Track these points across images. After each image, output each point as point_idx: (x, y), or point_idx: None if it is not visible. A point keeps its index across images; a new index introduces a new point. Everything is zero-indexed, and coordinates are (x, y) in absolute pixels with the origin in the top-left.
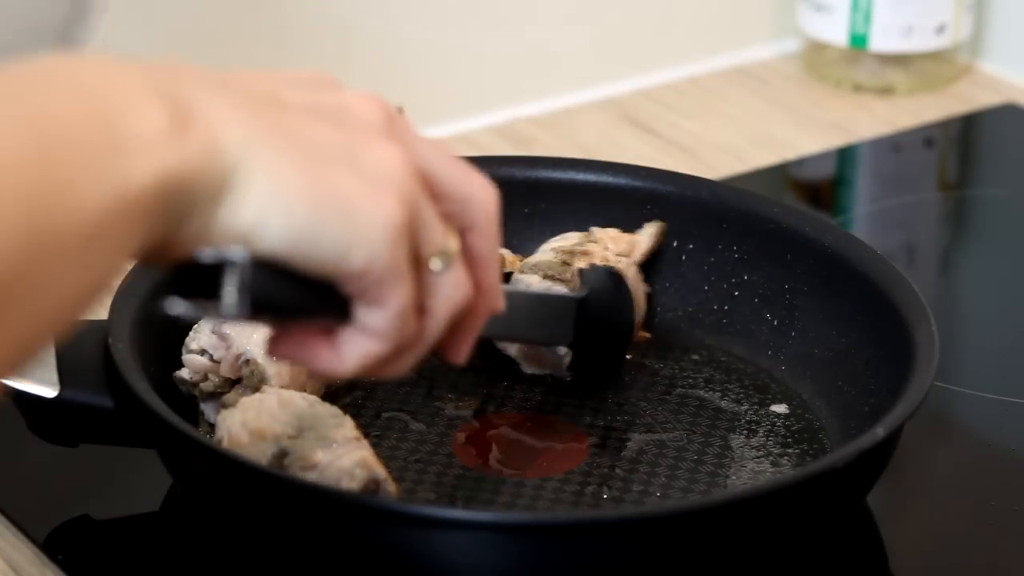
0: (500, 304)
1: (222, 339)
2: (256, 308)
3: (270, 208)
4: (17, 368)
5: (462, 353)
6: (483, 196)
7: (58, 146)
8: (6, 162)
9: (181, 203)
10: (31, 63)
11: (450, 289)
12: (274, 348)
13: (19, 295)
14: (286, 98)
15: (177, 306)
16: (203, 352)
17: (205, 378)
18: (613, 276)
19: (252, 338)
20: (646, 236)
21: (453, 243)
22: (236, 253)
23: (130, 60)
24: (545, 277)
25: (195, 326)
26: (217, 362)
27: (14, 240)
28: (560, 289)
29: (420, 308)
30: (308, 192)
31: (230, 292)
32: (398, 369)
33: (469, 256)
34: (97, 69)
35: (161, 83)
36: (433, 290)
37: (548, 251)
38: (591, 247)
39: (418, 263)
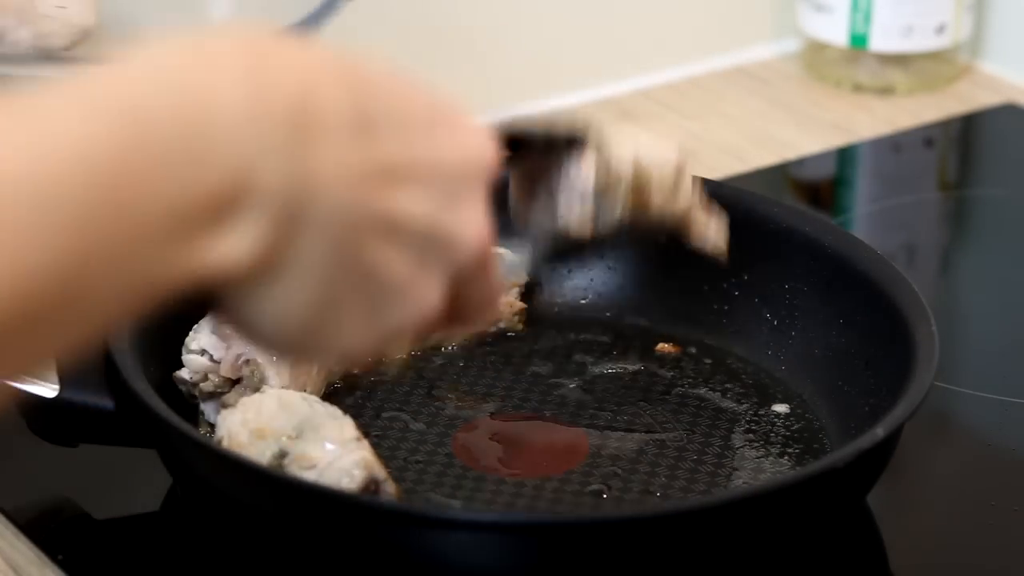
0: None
1: (222, 339)
2: None
3: (270, 319)
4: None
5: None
6: (489, 315)
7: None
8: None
9: (214, 286)
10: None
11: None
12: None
13: (82, 295)
14: (411, 207)
15: None
16: (203, 352)
17: (205, 378)
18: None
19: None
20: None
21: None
22: None
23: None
24: None
25: (195, 326)
26: (217, 362)
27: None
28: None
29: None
30: (310, 324)
31: None
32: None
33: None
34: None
35: (292, 174)
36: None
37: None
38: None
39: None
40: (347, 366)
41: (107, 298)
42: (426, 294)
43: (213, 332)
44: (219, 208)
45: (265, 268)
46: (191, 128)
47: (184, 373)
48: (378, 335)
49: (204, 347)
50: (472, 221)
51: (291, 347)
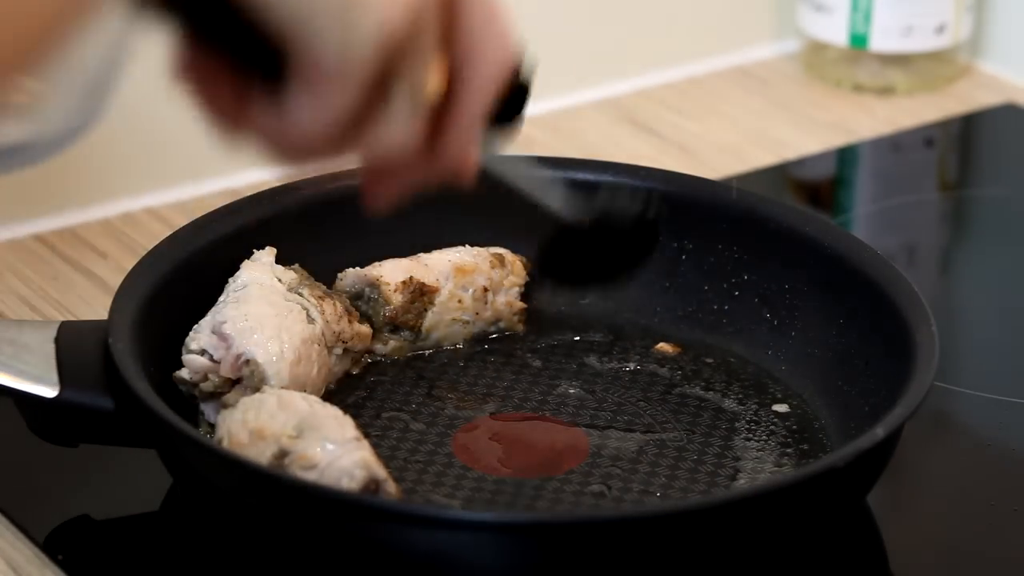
0: (467, 177)
1: (222, 339)
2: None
3: None
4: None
5: (379, 202)
6: (497, 58)
7: None
8: None
9: None
10: None
11: (395, 129)
12: (177, 61)
13: None
14: None
15: None
16: (203, 352)
17: (205, 378)
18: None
19: (253, 338)
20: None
21: (433, 84)
22: None
23: None
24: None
25: (195, 326)
26: (217, 362)
27: None
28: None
29: (355, 121)
30: None
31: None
32: (285, 159)
33: (447, 110)
34: None
35: None
36: (377, 118)
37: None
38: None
39: (382, 85)
40: (383, 48)
41: None
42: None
43: (213, 332)
44: None
45: None
46: None
47: (184, 373)
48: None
49: (204, 347)
50: None
51: (317, 6)
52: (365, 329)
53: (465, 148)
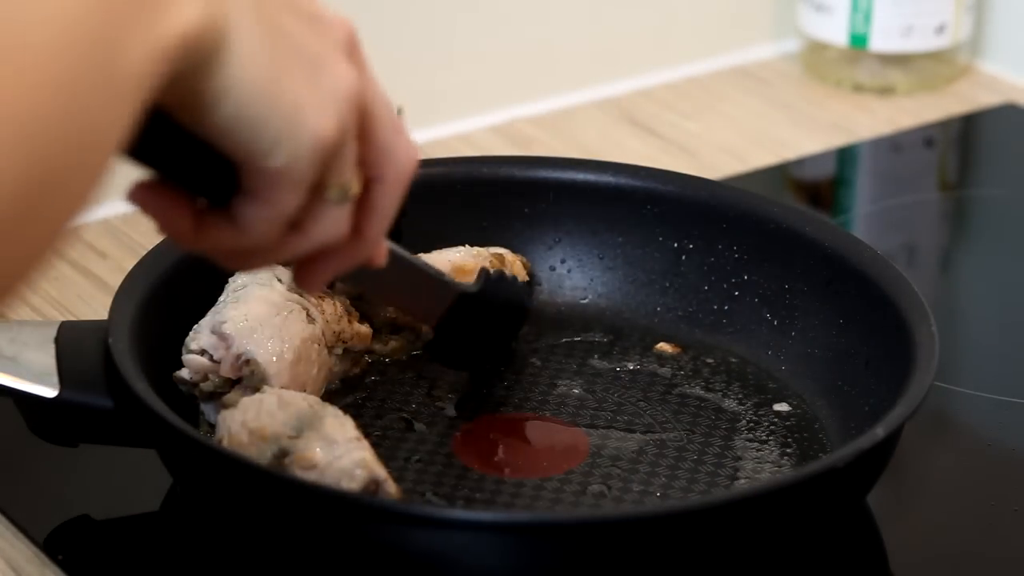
0: (380, 259)
1: (222, 339)
2: (141, 155)
3: (236, 85)
4: (41, 265)
5: (313, 284)
6: (404, 154)
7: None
8: (73, 14)
9: (183, 63)
10: None
11: (330, 223)
12: (137, 193)
13: (71, 162)
14: None
15: None
16: (203, 352)
17: (205, 378)
18: (515, 288)
19: (253, 338)
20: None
21: (355, 185)
22: None
23: None
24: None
25: (195, 326)
26: (217, 362)
27: (68, 106)
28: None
29: (295, 224)
30: (272, 82)
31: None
32: (244, 266)
33: (365, 204)
34: None
35: None
36: (315, 215)
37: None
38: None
39: (317, 187)
40: (316, 158)
41: (109, 105)
42: (340, 62)
43: (213, 332)
44: None
45: (214, 32)
46: None
47: (184, 373)
48: (327, 103)
49: (204, 347)
50: (328, 11)
51: (257, 117)
52: (365, 329)
53: (381, 235)
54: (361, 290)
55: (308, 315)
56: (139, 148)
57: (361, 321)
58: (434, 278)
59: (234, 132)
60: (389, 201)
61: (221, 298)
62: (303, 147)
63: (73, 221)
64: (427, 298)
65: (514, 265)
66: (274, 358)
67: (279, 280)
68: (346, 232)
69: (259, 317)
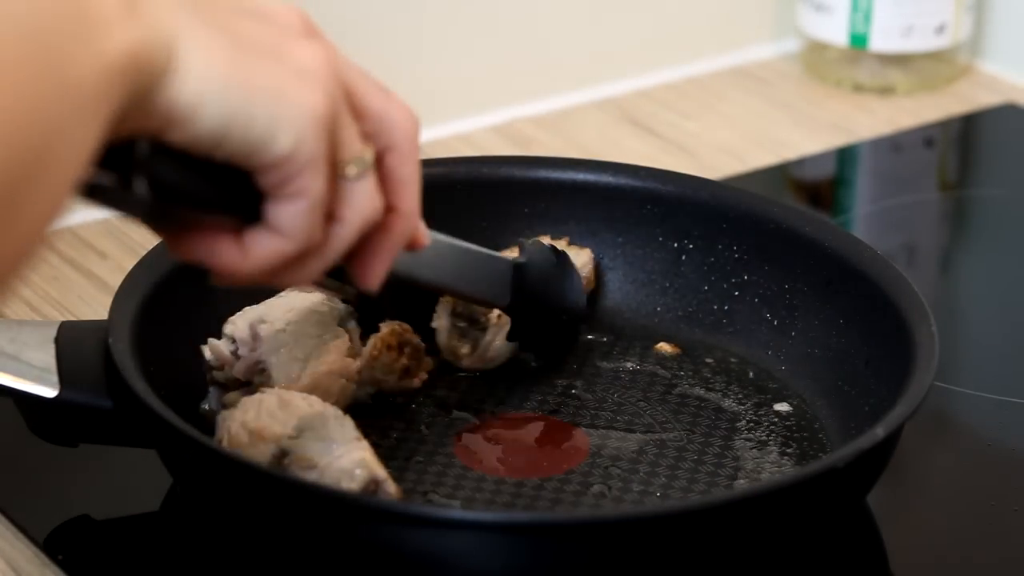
0: (420, 233)
1: (254, 338)
2: (165, 197)
3: (207, 89)
4: (24, 267)
5: (373, 275)
6: (402, 116)
7: (51, 20)
8: (13, 34)
9: (137, 79)
10: None
11: (361, 198)
12: (177, 246)
13: (42, 166)
14: None
15: (100, 176)
16: (233, 341)
17: (221, 368)
18: (556, 252)
19: (279, 353)
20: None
21: (369, 153)
22: (141, 146)
23: None
24: None
25: (245, 309)
26: (238, 358)
27: (32, 111)
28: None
29: (330, 215)
30: (241, 76)
31: (139, 183)
32: (302, 276)
33: (387, 177)
34: None
35: None
36: (345, 197)
37: None
38: None
39: (333, 168)
40: (316, 139)
41: (71, 115)
42: (302, 41)
43: (251, 326)
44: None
45: (163, 45)
46: None
47: (207, 352)
48: (304, 77)
49: (236, 337)
50: (282, 6)
51: (239, 110)
52: (414, 384)
53: (416, 206)
54: (426, 286)
55: (351, 348)
56: (160, 191)
57: (414, 374)
58: (484, 254)
59: (226, 138)
60: (408, 167)
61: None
62: (300, 125)
63: (40, 234)
64: (486, 280)
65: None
66: (290, 378)
67: (346, 303)
68: (380, 206)
69: (298, 332)
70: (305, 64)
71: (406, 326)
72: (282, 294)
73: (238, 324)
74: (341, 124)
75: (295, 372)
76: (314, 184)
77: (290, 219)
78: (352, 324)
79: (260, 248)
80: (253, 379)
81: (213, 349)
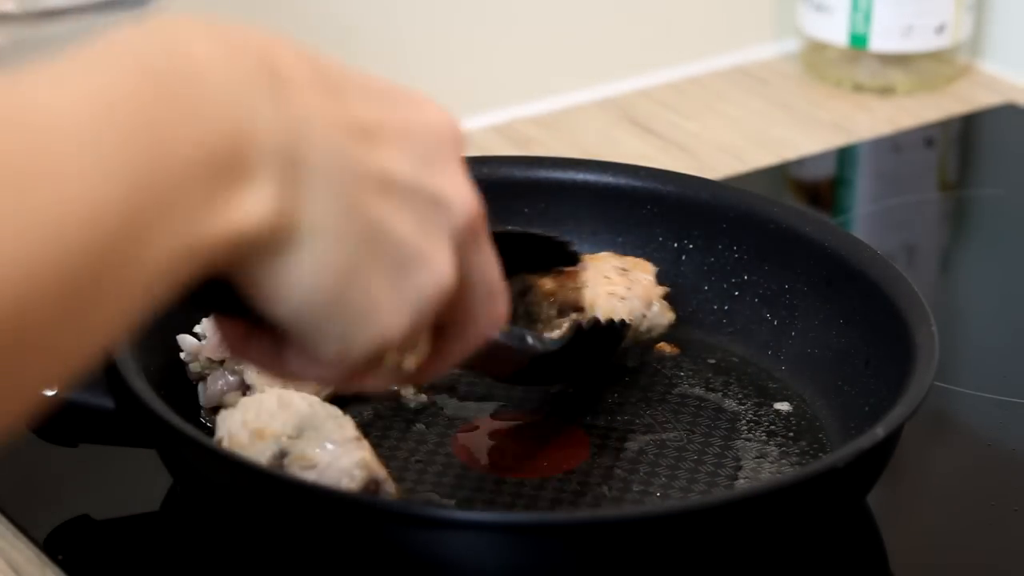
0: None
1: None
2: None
3: (300, 286)
4: (79, 373)
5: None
6: (489, 319)
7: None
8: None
9: (238, 257)
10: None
11: (378, 383)
12: (231, 343)
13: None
14: (392, 164)
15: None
16: (198, 335)
17: (195, 358)
18: (613, 332)
19: None
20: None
21: (412, 362)
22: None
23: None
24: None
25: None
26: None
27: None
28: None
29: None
30: (345, 288)
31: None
32: (345, 384)
33: (433, 351)
34: (226, 83)
35: (283, 122)
36: (371, 371)
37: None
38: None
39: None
40: (377, 351)
41: (152, 262)
42: (440, 258)
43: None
44: (230, 161)
45: (283, 228)
46: (192, 80)
47: (182, 354)
48: (406, 306)
49: (201, 330)
50: (457, 183)
51: (322, 319)
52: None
53: (435, 376)
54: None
55: None
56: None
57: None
58: (508, 346)
59: (291, 324)
60: (455, 356)
61: None
62: (362, 344)
63: (36, 395)
64: (498, 360)
65: (649, 292)
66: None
67: None
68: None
69: None
70: (423, 287)
71: None
72: None
73: (204, 321)
74: (406, 344)
75: None
76: (331, 376)
77: (302, 367)
78: None
79: (299, 369)
80: (224, 355)
81: (184, 343)
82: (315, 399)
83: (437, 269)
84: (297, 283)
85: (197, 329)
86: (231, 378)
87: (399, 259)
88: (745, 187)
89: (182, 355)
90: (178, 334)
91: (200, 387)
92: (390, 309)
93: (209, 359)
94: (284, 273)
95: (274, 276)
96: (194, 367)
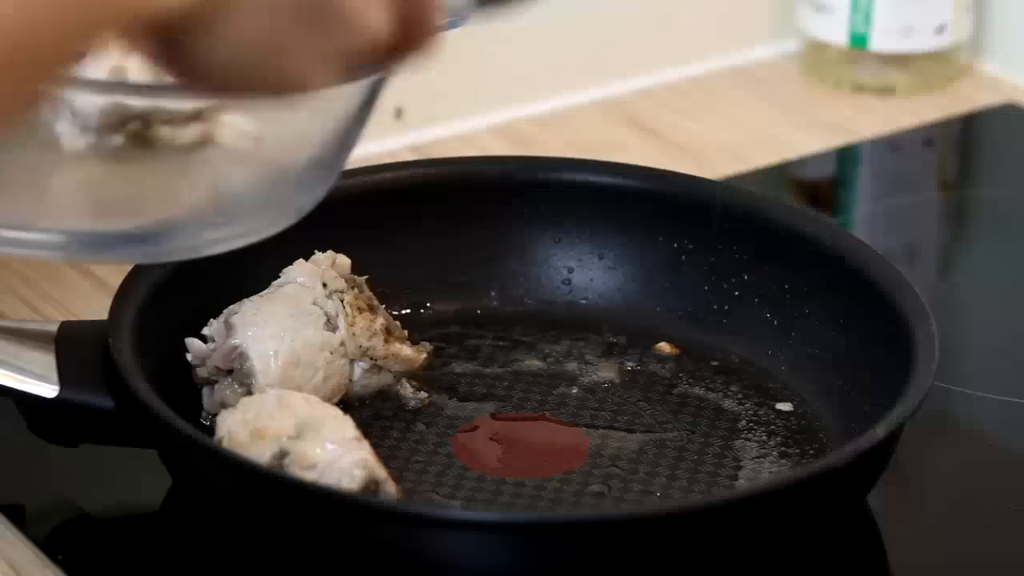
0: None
1: (227, 327)
2: None
3: (227, 47)
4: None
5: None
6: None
7: None
8: None
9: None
10: None
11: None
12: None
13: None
14: None
15: None
16: (207, 339)
17: (202, 363)
18: None
19: (249, 333)
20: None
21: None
22: None
23: None
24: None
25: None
26: (214, 349)
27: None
28: None
29: None
30: (267, 43)
31: None
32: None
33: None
34: None
35: None
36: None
37: None
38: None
39: None
40: (298, 97)
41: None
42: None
43: (224, 319)
44: None
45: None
46: None
47: (188, 355)
48: (335, 57)
49: (210, 332)
50: None
51: (251, 78)
52: (408, 352)
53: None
54: None
55: (328, 323)
56: None
57: (414, 343)
58: None
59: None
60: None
61: (265, 291)
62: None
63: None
64: None
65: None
66: (268, 355)
67: (324, 284)
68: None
69: (271, 314)
70: None
71: (359, 279)
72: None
73: (215, 321)
74: None
75: (272, 349)
76: None
77: None
78: (327, 303)
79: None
80: (234, 365)
81: (191, 347)
82: (315, 399)
83: (366, 18)
84: (223, 45)
85: (205, 331)
86: (239, 388)
87: (327, 13)
88: (745, 187)
89: (189, 358)
90: (186, 337)
91: (205, 391)
92: (318, 61)
93: (217, 367)
94: (211, 36)
95: (201, 40)
96: (201, 372)
